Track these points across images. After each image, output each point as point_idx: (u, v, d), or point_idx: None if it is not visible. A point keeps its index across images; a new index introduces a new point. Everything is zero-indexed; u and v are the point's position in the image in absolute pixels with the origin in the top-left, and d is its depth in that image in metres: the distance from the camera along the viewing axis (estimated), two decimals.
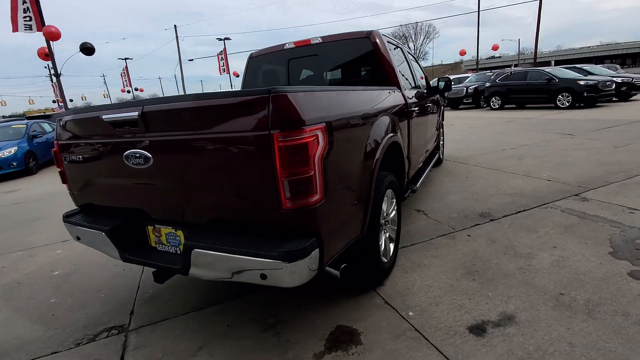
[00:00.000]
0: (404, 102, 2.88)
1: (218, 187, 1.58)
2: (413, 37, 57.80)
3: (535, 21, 22.87)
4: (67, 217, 2.21)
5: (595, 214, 3.22)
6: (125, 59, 34.96)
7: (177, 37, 27.75)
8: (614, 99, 12.28)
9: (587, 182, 4.11)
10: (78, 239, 2.18)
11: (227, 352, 1.91)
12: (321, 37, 3.14)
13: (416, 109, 3.26)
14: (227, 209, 1.62)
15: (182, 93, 28.26)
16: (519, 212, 3.47)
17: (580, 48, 57.21)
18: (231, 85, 21.21)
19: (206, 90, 13.13)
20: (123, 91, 39.07)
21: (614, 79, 11.74)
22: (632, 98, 12.92)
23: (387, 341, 1.88)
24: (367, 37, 2.95)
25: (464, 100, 15.59)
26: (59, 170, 2.21)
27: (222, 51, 23.94)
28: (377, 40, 2.92)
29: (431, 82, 4.47)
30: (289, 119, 1.36)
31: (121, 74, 34.15)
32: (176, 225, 1.84)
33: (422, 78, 4.25)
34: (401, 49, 3.57)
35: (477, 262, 2.58)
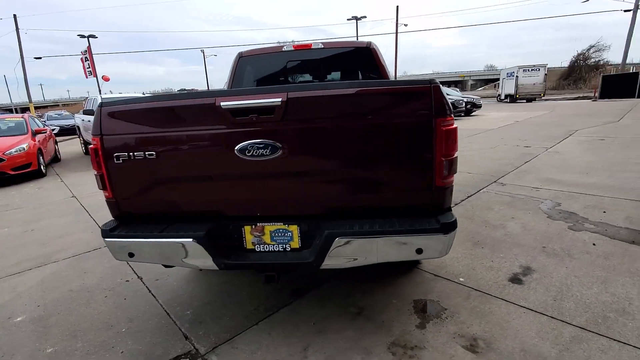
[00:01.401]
0: None
1: (368, 173, 1.63)
2: None
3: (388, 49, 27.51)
4: (113, 231, 1.77)
5: (518, 193, 4.32)
6: None
7: (17, 29, 21.93)
8: (462, 114, 15.91)
9: (495, 173, 5.39)
10: (131, 256, 1.77)
11: (335, 345, 1.90)
12: (322, 43, 3.31)
13: None
14: (368, 194, 1.68)
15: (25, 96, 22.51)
16: (469, 196, 4.33)
17: (421, 74, 71.30)
18: (99, 91, 17.83)
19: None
20: None
21: (463, 98, 15.25)
22: (473, 113, 16.96)
23: (463, 302, 2.21)
24: (367, 47, 3.28)
25: None
26: (98, 173, 1.76)
27: (86, 50, 20.04)
28: (375, 49, 3.29)
29: None
30: (444, 107, 1.57)
31: None
32: (289, 220, 1.76)
33: None
34: None
35: (474, 235, 3.19)
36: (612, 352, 1.73)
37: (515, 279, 2.43)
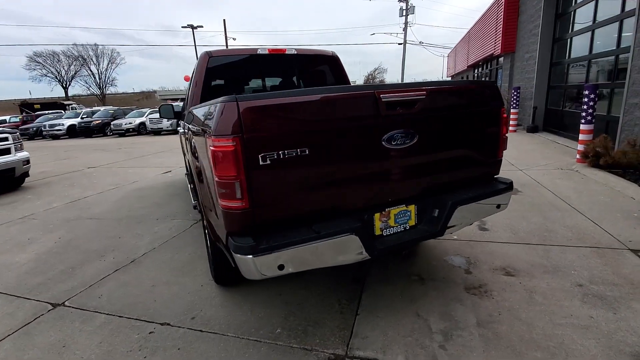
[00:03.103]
0: None
1: (465, 151, 2.07)
2: (95, 60, 50.94)
3: None
4: (263, 247, 1.53)
5: None
6: None
7: None
8: None
9: None
10: (280, 268, 1.58)
11: (435, 302, 2.24)
12: (296, 49, 3.44)
13: None
14: (462, 169, 2.11)
15: None
16: None
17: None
18: None
19: None
20: None
21: None
22: None
23: (486, 273, 2.89)
24: (333, 56, 3.64)
25: None
26: (233, 180, 1.47)
27: None
28: (338, 58, 3.70)
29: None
30: (502, 100, 2.19)
31: None
32: (408, 202, 1.99)
33: None
34: None
35: None
36: None
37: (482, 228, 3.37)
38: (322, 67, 3.68)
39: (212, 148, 1.51)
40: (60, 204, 5.16)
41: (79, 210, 4.82)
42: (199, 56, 3.18)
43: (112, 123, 18.59)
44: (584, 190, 4.37)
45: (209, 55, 3.15)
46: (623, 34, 6.07)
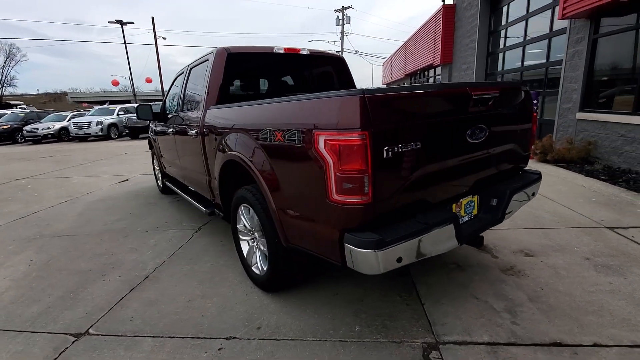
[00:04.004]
0: None
1: (513, 145, 2.29)
2: None
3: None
4: (389, 240, 1.52)
5: None
6: None
7: None
8: None
9: None
10: (399, 261, 1.59)
11: (476, 284, 2.43)
12: (309, 50, 3.43)
13: None
14: (508, 161, 2.34)
15: None
16: None
17: None
18: None
19: None
20: None
21: None
22: None
23: (510, 256, 3.19)
24: (340, 58, 3.71)
25: None
26: (360, 174, 1.45)
27: None
28: (345, 60, 3.78)
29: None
30: (532, 100, 2.49)
31: None
32: (472, 192, 2.14)
33: None
34: None
35: None
36: None
37: None
38: (331, 68, 3.71)
39: (335, 143, 1.47)
40: (5, 222, 4.32)
41: (35, 227, 4.09)
42: (214, 53, 2.97)
43: (24, 128, 15.96)
44: (544, 182, 5.07)
45: (227, 52, 2.96)
46: (551, 50, 7.21)
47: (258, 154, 2.06)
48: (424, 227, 1.67)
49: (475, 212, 2.19)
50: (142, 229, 3.90)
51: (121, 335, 2.09)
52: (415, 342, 1.92)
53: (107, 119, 15.77)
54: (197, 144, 3.06)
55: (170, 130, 3.85)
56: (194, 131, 3.07)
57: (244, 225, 2.58)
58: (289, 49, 3.30)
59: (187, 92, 3.59)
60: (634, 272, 2.53)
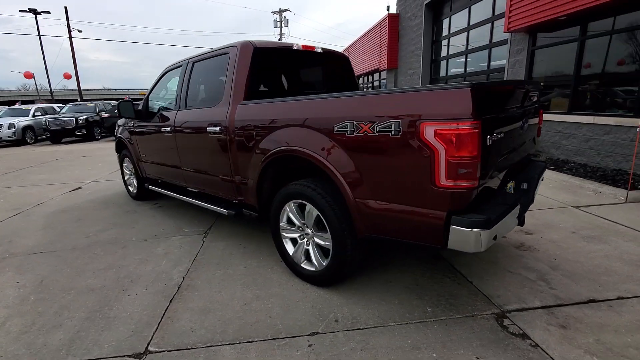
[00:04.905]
0: None
1: (532, 134, 2.64)
2: None
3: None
4: (494, 219, 1.69)
5: None
6: None
7: None
8: None
9: None
10: (494, 239, 1.77)
11: (506, 260, 2.75)
12: (322, 48, 3.47)
13: None
14: (530, 147, 2.68)
15: None
16: None
17: (91, 89, 61.93)
18: None
19: None
20: None
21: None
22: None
23: (515, 235, 3.61)
24: (346, 56, 3.83)
25: (76, 132, 13.54)
26: (474, 161, 1.59)
27: None
28: (349, 59, 3.91)
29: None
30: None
31: None
32: (511, 178, 2.43)
33: None
34: None
35: None
36: None
37: None
38: (339, 66, 3.78)
39: (448, 132, 1.59)
40: None
41: None
42: (238, 47, 2.84)
43: None
44: None
45: (253, 46, 2.86)
46: (492, 59, 8.23)
47: (331, 146, 2.07)
48: (507, 208, 1.87)
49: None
50: (137, 238, 3.53)
51: (192, 348, 1.92)
52: (485, 314, 2.12)
53: (22, 121, 13.54)
54: (218, 142, 2.91)
55: (168, 128, 3.55)
56: (216, 128, 2.90)
57: (291, 222, 2.54)
58: (306, 46, 3.31)
59: (194, 87, 3.36)
60: (613, 240, 3.10)
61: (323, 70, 3.68)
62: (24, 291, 2.57)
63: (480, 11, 8.51)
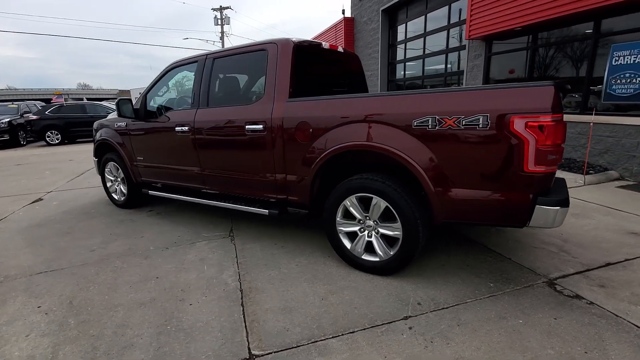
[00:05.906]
0: None
1: None
2: None
3: None
4: (565, 200, 1.95)
5: None
6: None
7: None
8: None
9: None
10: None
11: (534, 242, 3.15)
12: (342, 48, 3.57)
13: None
14: None
15: None
16: None
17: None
18: None
19: None
20: None
21: None
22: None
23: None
24: (356, 55, 3.97)
25: None
26: (559, 146, 1.84)
27: None
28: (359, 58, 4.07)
29: None
30: None
31: None
32: None
33: None
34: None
35: None
36: None
37: None
38: (354, 65, 3.88)
39: (539, 123, 1.82)
40: None
41: None
42: (277, 43, 2.78)
43: None
44: None
45: (293, 43, 2.84)
46: (449, 63, 9.04)
47: (409, 140, 2.19)
48: (567, 189, 2.19)
49: None
50: (155, 247, 3.25)
51: (298, 346, 1.89)
52: (537, 283, 2.42)
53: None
54: (258, 140, 2.85)
55: (185, 128, 3.33)
56: (258, 126, 2.82)
57: (349, 216, 2.60)
58: (332, 46, 3.37)
59: (220, 85, 3.21)
60: (594, 215, 3.70)
61: (343, 69, 3.77)
62: (55, 315, 2.25)
63: (436, 19, 9.29)
